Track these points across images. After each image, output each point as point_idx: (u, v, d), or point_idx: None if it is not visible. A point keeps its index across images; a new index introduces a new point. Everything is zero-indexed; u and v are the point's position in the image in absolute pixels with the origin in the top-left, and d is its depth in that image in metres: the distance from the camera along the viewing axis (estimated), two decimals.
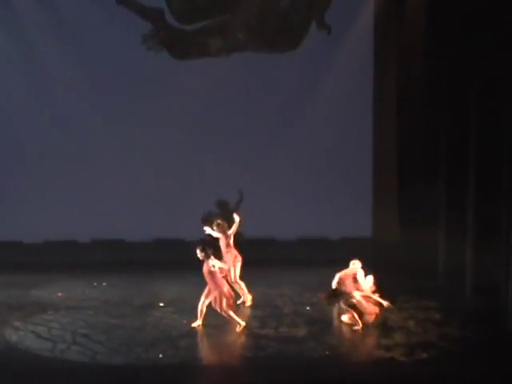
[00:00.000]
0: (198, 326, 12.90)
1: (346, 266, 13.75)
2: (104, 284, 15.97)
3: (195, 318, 13.06)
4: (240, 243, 14.62)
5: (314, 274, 16.23)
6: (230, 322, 12.91)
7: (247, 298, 14.28)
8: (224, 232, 14.18)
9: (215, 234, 14.21)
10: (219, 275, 12.81)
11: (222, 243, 14.21)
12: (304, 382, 10.85)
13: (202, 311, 12.91)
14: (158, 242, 17.90)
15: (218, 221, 14.38)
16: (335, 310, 13.70)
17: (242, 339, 12.53)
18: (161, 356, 11.60)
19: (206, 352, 12.00)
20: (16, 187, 17.68)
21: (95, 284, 15.97)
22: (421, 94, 16.90)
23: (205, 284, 12.95)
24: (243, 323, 12.82)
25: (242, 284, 14.28)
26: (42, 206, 17.56)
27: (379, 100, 18.12)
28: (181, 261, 15.36)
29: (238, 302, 13.99)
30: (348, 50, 17.83)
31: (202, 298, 12.90)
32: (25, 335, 12.59)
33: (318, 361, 11.54)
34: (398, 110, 17.67)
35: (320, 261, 16.67)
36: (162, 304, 14.31)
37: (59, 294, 15.13)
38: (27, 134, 17.59)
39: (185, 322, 13.25)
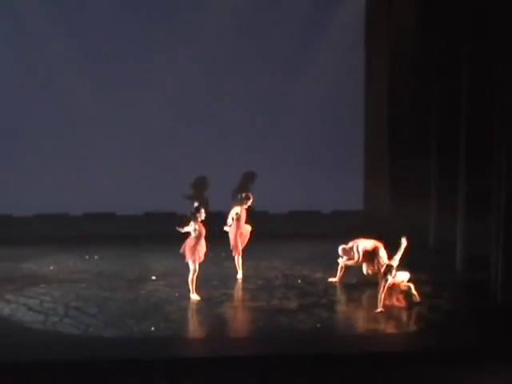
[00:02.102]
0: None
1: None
2: (96, 257, 15.98)
3: (187, 292, 13.11)
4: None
5: (305, 247, 16.29)
6: (221, 295, 13.01)
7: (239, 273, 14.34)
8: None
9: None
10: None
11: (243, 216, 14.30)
12: (295, 354, 10.89)
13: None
14: (148, 216, 17.89)
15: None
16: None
17: (234, 312, 12.57)
18: (153, 329, 11.64)
19: (197, 325, 12.03)
20: (6, 160, 17.62)
21: (87, 257, 15.98)
22: (412, 65, 16.89)
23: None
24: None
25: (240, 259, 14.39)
26: (33, 179, 17.50)
27: (370, 72, 18.07)
28: (172, 234, 15.33)
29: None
30: (340, 20, 17.77)
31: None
32: (17, 308, 12.62)
33: (309, 333, 11.59)
34: (390, 82, 17.64)
35: (311, 234, 16.71)
36: (154, 277, 14.34)
37: (51, 268, 15.15)
38: (16, 108, 17.49)
39: (177, 295, 13.29)
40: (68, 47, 17.50)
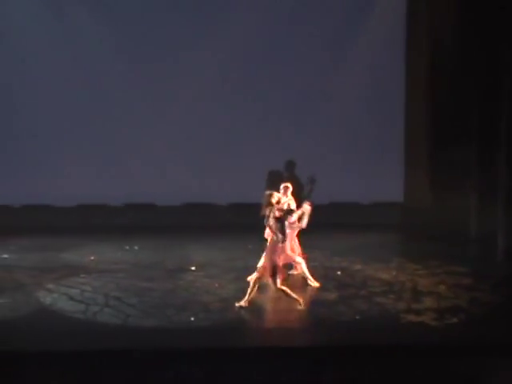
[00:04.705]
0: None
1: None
2: (136, 247, 16.08)
3: (226, 282, 13.16)
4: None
5: (344, 239, 16.25)
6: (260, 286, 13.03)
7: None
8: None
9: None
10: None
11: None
12: (333, 345, 10.88)
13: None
14: (188, 206, 17.95)
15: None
16: None
17: (273, 303, 12.57)
18: (192, 319, 11.68)
19: (236, 315, 12.05)
20: (48, 151, 17.79)
21: (127, 247, 16.09)
22: (452, 55, 16.75)
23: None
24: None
25: None
26: (74, 170, 17.67)
27: (411, 62, 17.96)
28: (210, 225, 15.43)
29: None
30: (381, 8, 17.70)
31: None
32: (58, 297, 12.72)
33: (348, 325, 11.56)
34: (431, 71, 17.51)
35: (351, 225, 16.67)
36: (193, 268, 14.39)
37: (91, 257, 15.27)
38: (59, 99, 17.66)
39: (216, 285, 13.32)
40: (109, 42, 17.64)
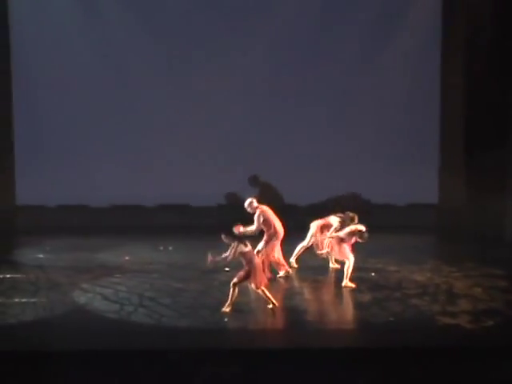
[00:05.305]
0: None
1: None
2: (170, 248, 16.13)
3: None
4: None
5: (379, 240, 16.15)
6: (292, 288, 13.01)
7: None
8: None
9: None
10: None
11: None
12: (367, 347, 10.83)
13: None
14: (221, 207, 17.98)
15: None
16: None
17: (306, 304, 12.54)
18: (226, 320, 11.68)
19: (270, 316, 12.03)
20: (84, 152, 17.90)
21: (161, 248, 16.14)
22: (488, 58, 16.63)
23: None
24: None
25: None
26: (109, 171, 17.77)
27: (447, 62, 17.85)
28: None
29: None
30: (416, 12, 17.63)
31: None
32: (93, 297, 12.79)
33: (382, 327, 11.50)
34: (467, 71, 17.39)
35: (386, 227, 16.59)
36: (227, 269, 14.38)
37: (126, 258, 15.33)
38: (95, 101, 17.78)
39: (251, 286, 13.30)
40: (141, 45, 17.75)
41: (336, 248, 13.48)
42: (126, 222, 17.73)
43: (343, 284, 13.24)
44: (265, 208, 13.68)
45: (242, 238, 12.01)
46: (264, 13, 17.60)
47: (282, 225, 13.71)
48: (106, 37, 17.69)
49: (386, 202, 17.77)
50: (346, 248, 13.32)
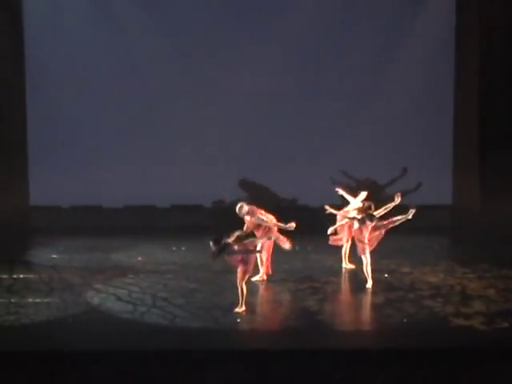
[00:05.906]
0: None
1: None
2: (183, 249, 16.14)
3: (274, 285, 13.12)
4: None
5: (392, 241, 16.10)
6: (307, 288, 12.99)
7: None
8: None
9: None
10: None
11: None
12: (380, 348, 10.81)
13: None
14: (235, 207, 17.95)
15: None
16: None
17: (319, 305, 12.52)
18: (239, 321, 11.68)
19: (283, 317, 12.02)
20: (97, 152, 17.94)
21: (174, 248, 16.15)
22: (503, 58, 16.58)
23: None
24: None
25: None
26: (122, 171, 17.81)
27: (460, 65, 17.81)
28: None
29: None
30: (430, 13, 17.60)
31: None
32: (106, 297, 12.81)
33: (396, 328, 11.47)
34: (481, 71, 17.34)
35: (399, 228, 16.53)
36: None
37: (139, 258, 15.34)
38: (109, 101, 17.81)
39: (262, 287, 13.31)
40: (160, 44, 17.77)
41: (357, 231, 13.42)
42: (139, 223, 17.77)
43: (368, 285, 13.23)
44: (255, 208, 13.65)
45: (228, 244, 11.86)
46: (278, 13, 17.58)
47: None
48: (120, 37, 17.71)
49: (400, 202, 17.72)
50: (365, 245, 13.27)
